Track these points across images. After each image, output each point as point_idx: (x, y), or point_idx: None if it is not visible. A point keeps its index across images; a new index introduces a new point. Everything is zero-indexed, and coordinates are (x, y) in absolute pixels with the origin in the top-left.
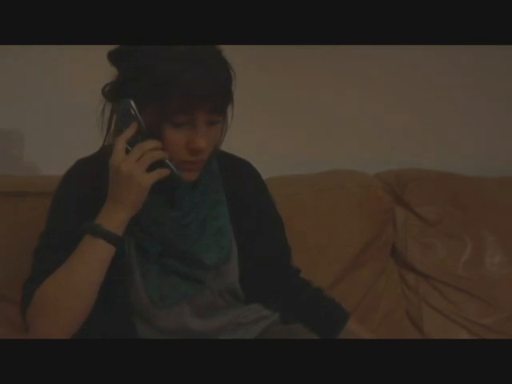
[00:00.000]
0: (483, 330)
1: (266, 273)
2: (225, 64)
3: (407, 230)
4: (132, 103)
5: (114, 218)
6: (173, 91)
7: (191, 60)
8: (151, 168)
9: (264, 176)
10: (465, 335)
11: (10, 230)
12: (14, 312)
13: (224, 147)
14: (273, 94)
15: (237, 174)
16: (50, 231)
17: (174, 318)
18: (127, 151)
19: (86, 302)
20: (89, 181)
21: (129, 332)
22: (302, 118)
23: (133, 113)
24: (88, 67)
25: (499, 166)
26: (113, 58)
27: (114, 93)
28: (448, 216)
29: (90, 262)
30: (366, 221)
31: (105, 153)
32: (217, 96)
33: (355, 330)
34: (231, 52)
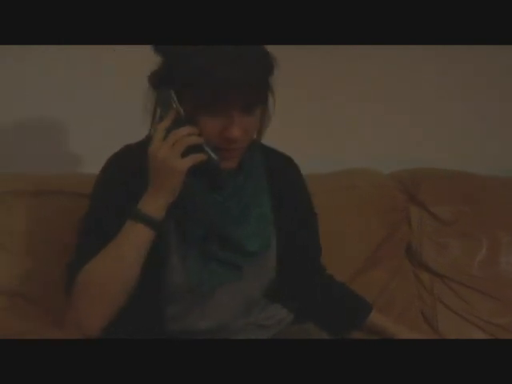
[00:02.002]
0: (498, 329)
1: (300, 267)
2: (263, 54)
3: (422, 229)
4: (172, 93)
5: (153, 202)
6: (209, 80)
7: (229, 52)
8: (188, 153)
9: None
10: (480, 335)
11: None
12: (33, 309)
13: None
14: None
15: (279, 167)
16: (93, 214)
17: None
18: None
19: (126, 285)
20: (132, 167)
21: (156, 316)
22: (315, 117)
23: (172, 102)
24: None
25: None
26: (159, 47)
27: (157, 81)
28: (463, 215)
29: (130, 245)
30: (381, 220)
31: (147, 141)
32: (252, 87)
33: (378, 320)
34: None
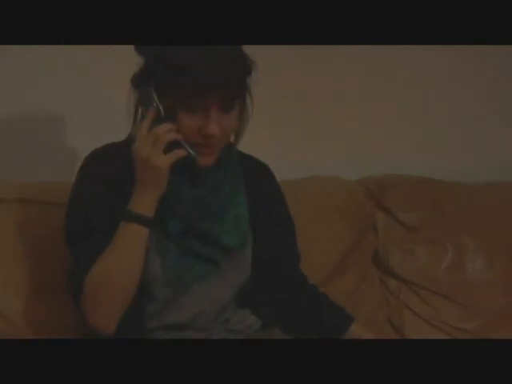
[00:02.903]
0: (464, 334)
1: (276, 272)
2: (241, 55)
3: (388, 235)
4: (152, 91)
5: (142, 200)
6: (187, 77)
7: (208, 50)
8: (169, 150)
9: None
10: None
11: None
12: None
13: None
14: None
15: (255, 173)
16: (80, 215)
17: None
18: None
19: (132, 285)
20: (115, 164)
21: (136, 313)
22: (283, 122)
23: (153, 100)
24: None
25: (482, 170)
26: (139, 48)
27: (139, 81)
28: (429, 222)
29: (128, 246)
30: (348, 227)
31: (130, 140)
32: (230, 84)
33: (358, 333)
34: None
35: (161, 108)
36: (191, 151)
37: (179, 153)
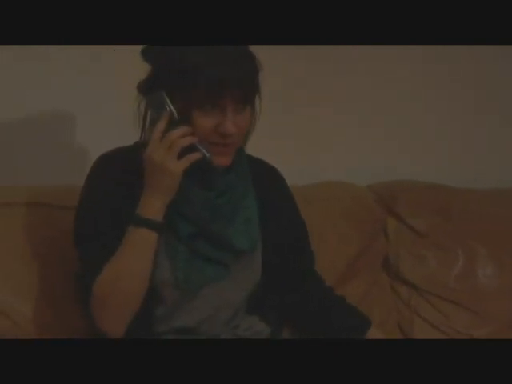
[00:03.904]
0: None
1: (285, 274)
2: (251, 57)
3: (399, 241)
4: (164, 94)
5: (152, 205)
6: (202, 77)
7: (219, 52)
8: (183, 153)
9: None
10: None
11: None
12: None
13: None
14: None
15: (264, 176)
16: (90, 219)
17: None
18: None
19: (141, 289)
20: (125, 168)
21: (145, 316)
22: (293, 127)
23: (165, 103)
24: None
25: (491, 176)
26: (145, 54)
27: (147, 87)
28: (439, 228)
29: (138, 251)
30: (358, 232)
31: (138, 146)
32: (244, 83)
33: (376, 337)
34: None
35: (174, 111)
36: (206, 153)
37: (193, 157)
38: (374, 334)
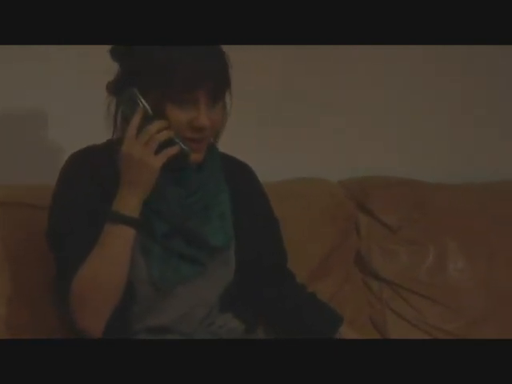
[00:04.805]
0: (446, 335)
1: (258, 271)
2: (221, 52)
3: (370, 236)
4: (135, 91)
5: (129, 201)
6: (175, 71)
7: (189, 48)
8: (159, 148)
9: None
10: None
11: None
12: None
13: None
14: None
15: (236, 173)
16: (63, 218)
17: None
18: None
19: (119, 286)
20: (94, 169)
21: (122, 315)
22: (265, 125)
23: (137, 100)
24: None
25: (463, 172)
26: (115, 53)
27: (118, 87)
28: (411, 223)
29: (115, 248)
30: (330, 228)
31: (111, 144)
32: (217, 76)
33: (347, 334)
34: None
35: (147, 106)
36: (183, 146)
37: (171, 151)
38: (345, 331)
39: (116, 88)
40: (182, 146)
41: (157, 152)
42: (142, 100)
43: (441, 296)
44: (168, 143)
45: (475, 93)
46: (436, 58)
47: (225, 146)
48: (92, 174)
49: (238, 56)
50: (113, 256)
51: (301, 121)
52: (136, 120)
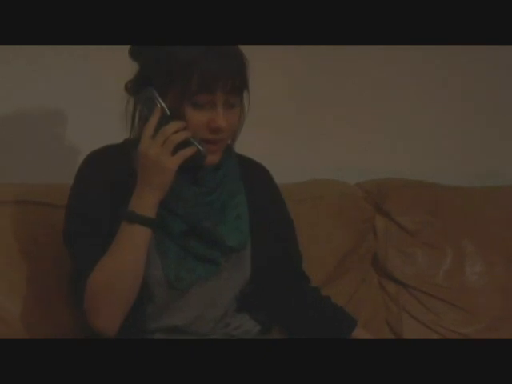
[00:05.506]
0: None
1: (274, 273)
2: (239, 52)
3: (387, 239)
4: (154, 91)
5: (146, 201)
6: (193, 72)
7: (207, 48)
8: (176, 149)
9: None
10: None
11: None
12: None
13: None
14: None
15: (253, 174)
16: (80, 216)
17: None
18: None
19: (134, 286)
20: (114, 165)
21: (137, 314)
22: (282, 124)
23: (156, 100)
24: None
25: (481, 175)
26: (134, 53)
27: (136, 86)
28: (428, 225)
29: (131, 247)
30: (347, 230)
31: (128, 144)
32: (234, 77)
33: (361, 337)
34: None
35: (165, 107)
36: (200, 147)
37: (187, 152)
38: (360, 333)
39: (134, 88)
40: (199, 147)
41: (173, 153)
42: (160, 100)
43: (458, 299)
44: (185, 144)
45: (501, 91)
46: None
47: (240, 145)
48: (109, 174)
49: (255, 57)
50: (128, 256)
51: (318, 122)
52: (153, 120)
